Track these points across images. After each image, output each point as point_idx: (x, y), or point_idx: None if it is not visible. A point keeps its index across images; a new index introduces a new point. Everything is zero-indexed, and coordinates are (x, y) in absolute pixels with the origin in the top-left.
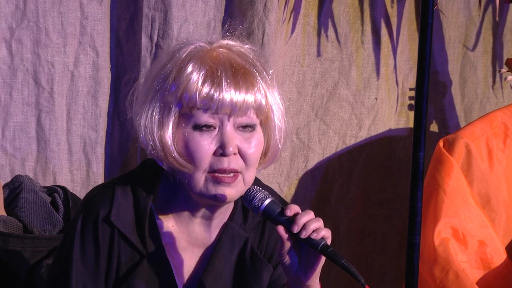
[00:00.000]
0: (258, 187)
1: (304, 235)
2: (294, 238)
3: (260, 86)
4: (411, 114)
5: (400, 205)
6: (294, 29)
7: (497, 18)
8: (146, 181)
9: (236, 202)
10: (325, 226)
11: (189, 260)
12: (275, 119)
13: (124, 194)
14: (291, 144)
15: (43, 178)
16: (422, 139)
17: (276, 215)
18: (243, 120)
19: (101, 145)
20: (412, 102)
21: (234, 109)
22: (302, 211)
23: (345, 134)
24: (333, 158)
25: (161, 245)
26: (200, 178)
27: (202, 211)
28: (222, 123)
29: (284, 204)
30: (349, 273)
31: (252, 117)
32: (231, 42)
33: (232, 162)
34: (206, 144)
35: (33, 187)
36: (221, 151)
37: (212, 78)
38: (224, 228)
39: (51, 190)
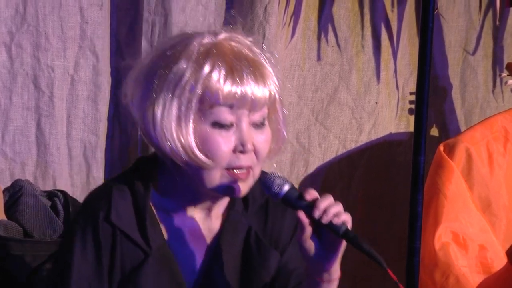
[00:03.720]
0: (275, 173)
1: (325, 220)
2: (315, 223)
3: (272, 77)
4: (412, 118)
5: (401, 209)
6: (294, 33)
7: (497, 22)
8: (143, 178)
9: None
10: None
11: (193, 253)
12: (282, 109)
13: (121, 193)
14: (291, 148)
15: (43, 183)
16: (423, 143)
17: (295, 199)
18: (257, 117)
19: (101, 149)
20: (413, 106)
21: (254, 104)
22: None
23: (346, 138)
24: (333, 163)
25: (164, 241)
26: (216, 175)
27: (203, 202)
28: (240, 120)
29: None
30: (370, 258)
31: (264, 111)
32: (236, 35)
33: (248, 158)
34: (225, 142)
35: (33, 191)
36: (240, 148)
37: (233, 75)
38: (226, 218)
39: (51, 195)
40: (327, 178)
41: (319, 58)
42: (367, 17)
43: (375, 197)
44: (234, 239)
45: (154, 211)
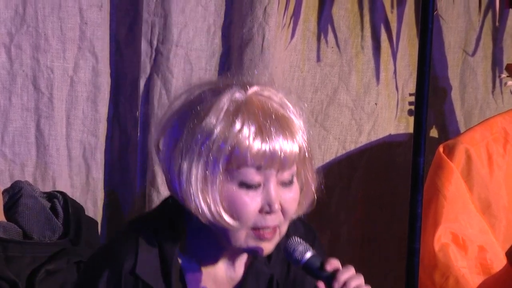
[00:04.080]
0: (298, 239)
1: None
2: None
3: (302, 132)
4: (411, 119)
5: (400, 210)
6: (294, 35)
7: (497, 23)
8: (171, 227)
9: None
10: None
11: None
12: (312, 164)
13: (148, 245)
14: None
15: (42, 184)
16: (422, 144)
17: (316, 269)
18: (285, 175)
19: (101, 150)
20: (412, 107)
21: (283, 163)
22: (341, 265)
23: (345, 140)
24: (333, 164)
25: None
26: (242, 234)
27: (227, 254)
28: (267, 179)
29: (318, 251)
30: None
31: (293, 169)
32: (266, 88)
33: (275, 218)
34: (252, 203)
35: (33, 192)
36: (267, 209)
37: (262, 134)
38: (249, 267)
39: (50, 196)
40: (327, 179)
41: (318, 59)
42: (366, 18)
43: (374, 198)
44: None
45: (180, 261)
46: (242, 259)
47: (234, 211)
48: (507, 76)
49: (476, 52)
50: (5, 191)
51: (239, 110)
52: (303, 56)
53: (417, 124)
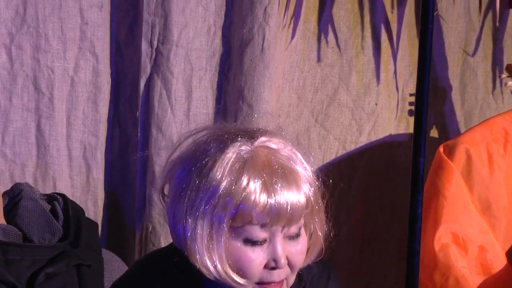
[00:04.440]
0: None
1: None
2: None
3: (309, 187)
4: (411, 119)
5: (400, 210)
6: (294, 35)
7: (497, 24)
8: (188, 279)
9: None
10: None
11: None
12: (320, 215)
13: None
14: None
15: (42, 184)
16: (422, 144)
17: None
18: (292, 230)
19: (101, 150)
20: (412, 107)
21: (290, 219)
22: None
23: (345, 140)
24: (333, 164)
25: None
26: None
27: None
28: (273, 235)
29: None
30: None
31: (300, 223)
32: (273, 143)
33: (282, 273)
34: (258, 259)
35: (33, 195)
36: (273, 264)
37: (267, 190)
38: None
39: (50, 198)
40: (327, 179)
41: (319, 59)
42: (367, 18)
43: (375, 198)
44: None
45: None
46: None
47: (239, 268)
48: (507, 76)
49: (476, 52)
50: (5, 194)
51: (245, 165)
52: (304, 56)
53: (417, 124)
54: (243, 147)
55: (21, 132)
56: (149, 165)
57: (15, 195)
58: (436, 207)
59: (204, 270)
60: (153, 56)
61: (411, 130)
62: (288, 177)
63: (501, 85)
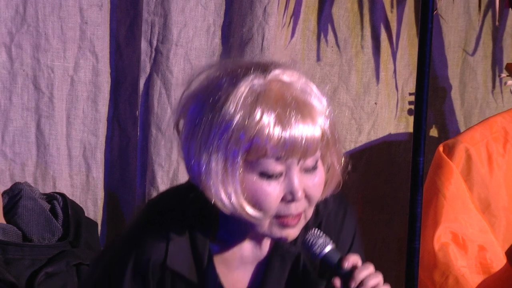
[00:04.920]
0: (318, 232)
1: None
2: None
3: (324, 119)
4: (411, 119)
5: (400, 210)
6: (293, 34)
7: (497, 23)
8: (203, 215)
9: None
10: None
11: (241, 277)
12: (336, 148)
13: (179, 236)
14: None
15: (42, 183)
16: (422, 144)
17: (334, 265)
18: (308, 163)
19: (101, 150)
20: (412, 107)
21: (305, 152)
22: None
23: (345, 139)
24: None
25: (216, 273)
26: (265, 223)
27: (254, 234)
28: (289, 168)
29: (348, 228)
30: None
31: (317, 155)
32: (286, 76)
33: (299, 206)
34: (274, 192)
35: (33, 194)
36: (290, 197)
37: (282, 122)
38: (275, 246)
39: (50, 197)
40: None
41: (318, 58)
42: (366, 17)
43: (374, 197)
44: (281, 268)
45: (210, 248)
46: (268, 238)
47: (256, 202)
48: (507, 76)
49: (476, 51)
50: (5, 193)
51: (258, 99)
52: (303, 55)
53: (417, 124)
54: (256, 81)
55: (21, 131)
56: (148, 165)
57: (14, 194)
58: (435, 207)
59: (219, 204)
60: (153, 56)
61: (410, 129)
62: (302, 109)
63: (500, 85)
